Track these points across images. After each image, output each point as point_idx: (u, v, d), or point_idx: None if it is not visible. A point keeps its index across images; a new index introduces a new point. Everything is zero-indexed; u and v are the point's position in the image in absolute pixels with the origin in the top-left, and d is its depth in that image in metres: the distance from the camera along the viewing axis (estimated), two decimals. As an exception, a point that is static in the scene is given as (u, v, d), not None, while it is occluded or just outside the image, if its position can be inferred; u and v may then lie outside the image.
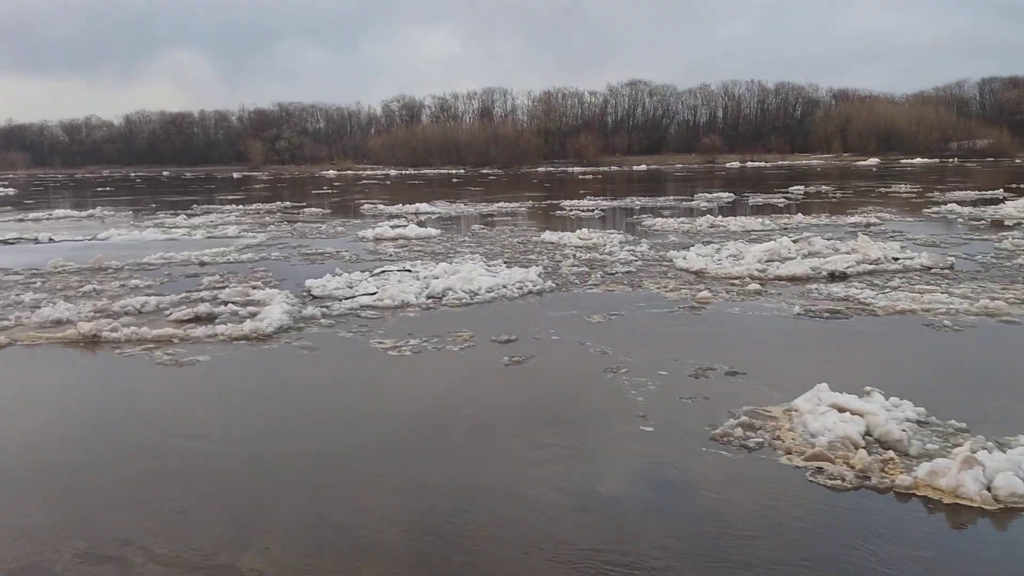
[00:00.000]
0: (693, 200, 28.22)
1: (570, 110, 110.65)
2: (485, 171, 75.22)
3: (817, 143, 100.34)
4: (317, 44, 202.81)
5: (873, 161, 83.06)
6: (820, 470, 5.04)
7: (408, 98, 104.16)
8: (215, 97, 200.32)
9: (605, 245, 15.87)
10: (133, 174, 76.04)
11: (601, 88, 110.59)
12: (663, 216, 22.03)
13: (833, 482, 4.88)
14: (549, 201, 29.96)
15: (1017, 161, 74.16)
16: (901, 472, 4.96)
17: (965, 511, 4.53)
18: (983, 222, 19.19)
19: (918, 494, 4.70)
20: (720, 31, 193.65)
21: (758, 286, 11.71)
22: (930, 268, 12.90)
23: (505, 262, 14.15)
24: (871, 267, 12.99)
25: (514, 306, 10.76)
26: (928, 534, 4.32)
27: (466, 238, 18.01)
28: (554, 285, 12.09)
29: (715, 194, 29.97)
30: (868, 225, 19.00)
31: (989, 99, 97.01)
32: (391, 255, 15.33)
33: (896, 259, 13.50)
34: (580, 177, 53.87)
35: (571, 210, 25.44)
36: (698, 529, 4.34)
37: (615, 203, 28.09)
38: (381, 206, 26.31)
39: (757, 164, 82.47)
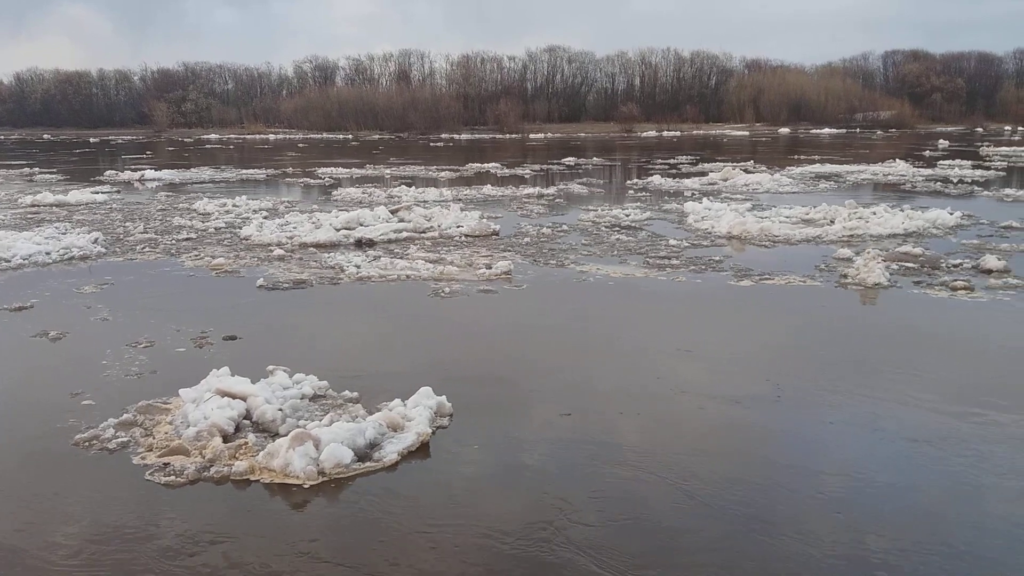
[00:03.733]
0: (462, 169, 28.92)
1: (489, 75, 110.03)
2: (376, 136, 75.06)
3: (731, 113, 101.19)
4: (226, 1, 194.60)
5: (785, 131, 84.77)
6: (165, 466, 4.67)
7: (321, 59, 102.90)
8: (116, 56, 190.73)
9: (213, 213, 16.57)
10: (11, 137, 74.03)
11: (520, 54, 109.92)
12: (390, 185, 22.58)
13: (169, 478, 4.54)
14: (313, 168, 30.47)
15: (889, 134, 75.76)
16: (249, 457, 4.74)
17: (295, 491, 4.38)
18: (649, 194, 20.13)
19: (254, 478, 4.52)
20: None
21: (282, 252, 12.43)
22: (469, 235, 13.78)
23: (96, 230, 14.67)
24: (411, 235, 13.82)
25: (43, 272, 11.30)
26: (242, 523, 4.11)
27: (115, 206, 18.53)
28: (103, 251, 12.71)
29: (488, 164, 30.63)
30: (540, 196, 19.83)
31: (892, 72, 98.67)
32: (-1, 221, 15.82)
33: (459, 227, 14.38)
34: (432, 145, 54.32)
35: (310, 178, 26.21)
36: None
37: (383, 170, 28.86)
38: (128, 173, 26.59)
39: (673, 133, 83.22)
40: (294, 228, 14.24)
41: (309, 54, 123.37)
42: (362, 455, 4.76)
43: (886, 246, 11.95)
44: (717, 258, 11.45)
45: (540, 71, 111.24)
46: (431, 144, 55.13)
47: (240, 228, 14.49)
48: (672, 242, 12.65)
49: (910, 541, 3.93)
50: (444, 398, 5.52)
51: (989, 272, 10.34)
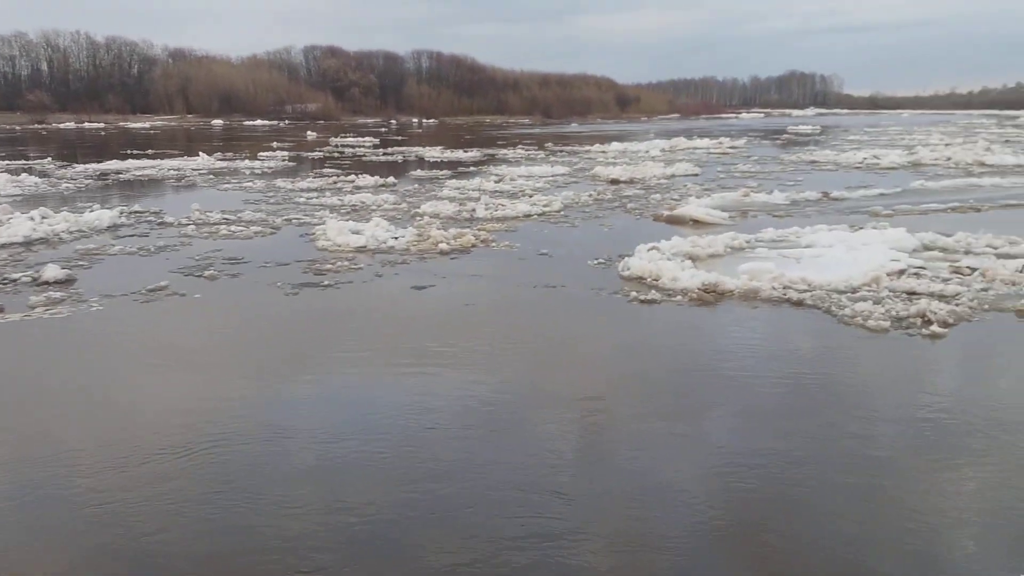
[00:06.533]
0: None
1: None
2: None
3: (159, 103, 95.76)
4: None
5: (219, 122, 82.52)
6: None
7: None
8: None
9: None
10: None
11: None
12: None
13: None
14: None
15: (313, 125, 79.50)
16: None
17: None
18: None
19: None
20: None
21: None
22: None
23: None
24: None
25: None
26: None
27: None
28: None
29: None
30: None
31: (314, 66, 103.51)
32: None
33: None
34: None
35: None
36: None
37: None
38: None
39: (96, 125, 74.89)
40: None
41: None
42: None
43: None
44: None
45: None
46: None
47: None
48: None
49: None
50: None
51: (47, 284, 9.15)
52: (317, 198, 16.42)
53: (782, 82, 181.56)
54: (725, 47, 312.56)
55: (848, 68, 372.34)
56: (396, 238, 11.83)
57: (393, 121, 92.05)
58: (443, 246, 11.39)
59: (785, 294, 8.28)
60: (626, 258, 9.94)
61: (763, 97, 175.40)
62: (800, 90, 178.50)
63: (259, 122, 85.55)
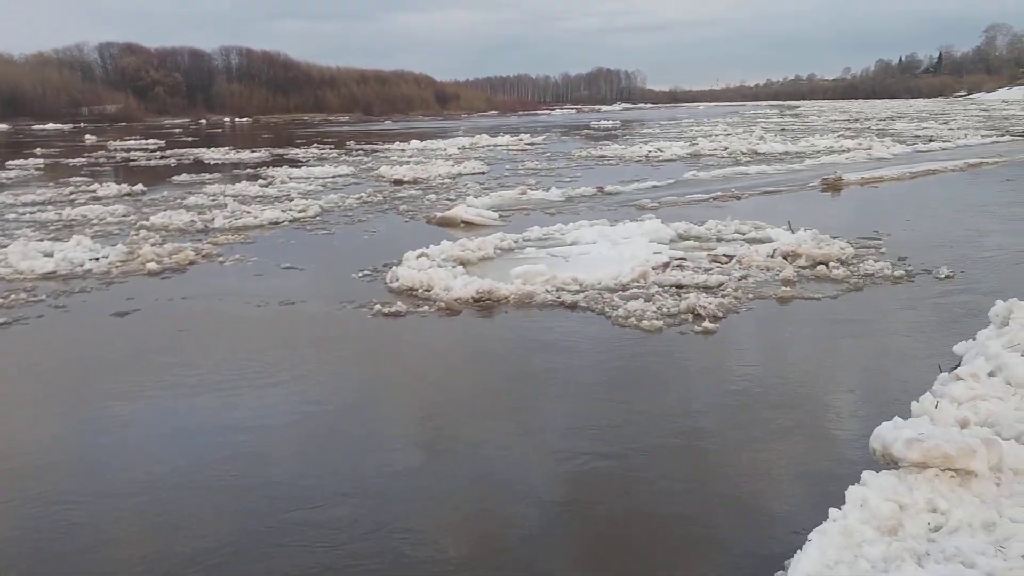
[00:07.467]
0: None
1: None
2: None
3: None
4: None
5: (4, 127, 74.29)
6: None
7: None
8: None
9: None
10: None
11: None
12: None
13: None
14: None
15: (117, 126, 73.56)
16: None
17: None
18: None
19: None
20: None
21: None
22: None
23: None
24: None
25: None
26: None
27: None
28: None
29: None
30: None
31: (111, 64, 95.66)
32: None
33: None
34: None
35: None
36: None
37: None
38: None
39: None
40: None
41: None
42: None
43: None
44: None
45: None
46: None
47: None
48: None
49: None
50: None
51: None
52: (33, 213, 14.31)
53: (591, 79, 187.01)
54: (537, 45, 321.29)
55: (650, 65, 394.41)
56: (97, 259, 10.26)
57: (203, 120, 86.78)
58: (152, 265, 9.98)
59: (559, 296, 7.99)
60: (394, 267, 9.02)
61: (574, 94, 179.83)
62: (607, 86, 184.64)
63: (50, 126, 78.14)
